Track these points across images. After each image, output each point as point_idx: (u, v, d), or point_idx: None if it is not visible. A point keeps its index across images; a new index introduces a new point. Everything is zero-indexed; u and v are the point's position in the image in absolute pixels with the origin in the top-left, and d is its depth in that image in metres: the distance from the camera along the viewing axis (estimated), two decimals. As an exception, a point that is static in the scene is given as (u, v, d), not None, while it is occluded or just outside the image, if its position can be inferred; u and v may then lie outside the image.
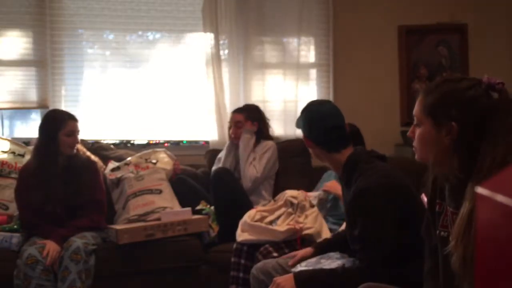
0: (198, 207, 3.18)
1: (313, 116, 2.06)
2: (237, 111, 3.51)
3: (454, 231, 1.34)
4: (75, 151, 3.00)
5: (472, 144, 1.35)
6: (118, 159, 3.50)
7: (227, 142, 3.54)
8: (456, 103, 1.39)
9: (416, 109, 1.49)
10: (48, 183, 2.87)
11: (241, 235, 2.68)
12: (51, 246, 2.68)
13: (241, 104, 3.78)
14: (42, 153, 2.93)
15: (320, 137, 2.03)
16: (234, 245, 2.71)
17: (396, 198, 1.86)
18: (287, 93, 4.07)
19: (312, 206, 2.72)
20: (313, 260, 2.08)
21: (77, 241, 2.71)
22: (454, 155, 1.39)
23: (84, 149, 3.39)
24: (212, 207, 3.16)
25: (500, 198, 0.63)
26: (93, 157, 3.35)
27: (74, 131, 2.97)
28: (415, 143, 1.51)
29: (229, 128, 3.51)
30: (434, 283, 1.54)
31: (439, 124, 1.41)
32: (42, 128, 2.98)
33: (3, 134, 3.77)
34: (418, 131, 1.49)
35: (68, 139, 2.94)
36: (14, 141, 3.50)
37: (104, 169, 3.37)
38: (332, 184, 2.86)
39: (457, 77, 1.45)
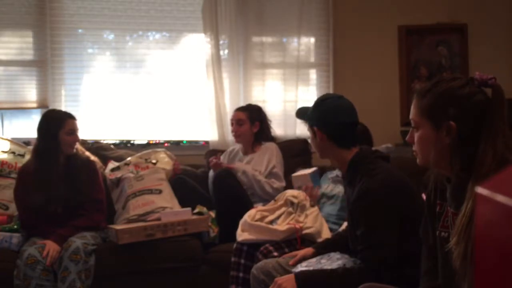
0: (195, 211, 3.15)
1: (331, 109, 2.03)
2: (239, 109, 3.54)
3: (455, 228, 1.34)
4: (74, 150, 3.01)
5: (471, 142, 1.35)
6: (118, 159, 3.50)
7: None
8: (452, 102, 1.39)
9: (412, 113, 1.48)
10: (49, 183, 2.87)
11: (241, 235, 2.68)
12: (51, 246, 2.69)
13: (241, 104, 3.79)
14: (42, 153, 2.93)
15: (336, 131, 2.01)
16: (234, 245, 2.70)
17: (399, 199, 1.87)
18: (287, 93, 4.07)
19: (312, 205, 2.71)
20: (313, 260, 2.08)
21: (77, 241, 2.71)
22: (455, 155, 1.38)
23: (83, 149, 3.39)
24: (208, 209, 3.15)
25: (500, 198, 0.63)
26: (92, 157, 3.35)
27: (74, 129, 2.98)
28: (415, 147, 1.49)
29: (231, 124, 3.54)
30: (432, 283, 1.54)
31: (438, 125, 1.41)
32: (41, 129, 2.97)
33: (3, 134, 3.77)
34: (417, 135, 1.47)
35: (70, 138, 2.94)
36: (14, 141, 3.50)
37: (104, 169, 3.37)
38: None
39: (450, 77, 1.45)
